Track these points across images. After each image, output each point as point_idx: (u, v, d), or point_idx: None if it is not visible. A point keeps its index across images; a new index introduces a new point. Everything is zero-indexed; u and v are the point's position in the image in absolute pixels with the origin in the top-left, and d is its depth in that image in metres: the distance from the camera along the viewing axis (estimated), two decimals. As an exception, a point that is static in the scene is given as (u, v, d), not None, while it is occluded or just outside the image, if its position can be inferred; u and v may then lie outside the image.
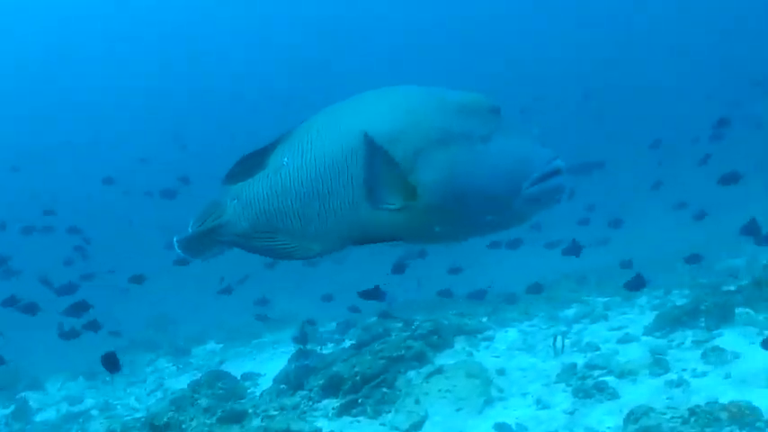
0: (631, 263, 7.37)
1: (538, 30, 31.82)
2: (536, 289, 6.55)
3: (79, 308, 5.96)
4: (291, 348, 8.34)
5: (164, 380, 8.81)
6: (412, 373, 5.63)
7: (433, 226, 2.14)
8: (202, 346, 9.94)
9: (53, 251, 10.41)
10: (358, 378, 5.75)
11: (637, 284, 5.81)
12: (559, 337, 5.74)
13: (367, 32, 34.56)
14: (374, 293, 5.47)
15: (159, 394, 8.40)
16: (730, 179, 6.82)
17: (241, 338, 9.65)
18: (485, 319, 6.99)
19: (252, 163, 2.33)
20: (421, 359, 5.83)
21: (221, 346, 9.76)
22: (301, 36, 34.36)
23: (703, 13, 29.83)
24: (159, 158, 16.92)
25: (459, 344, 6.21)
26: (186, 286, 12.01)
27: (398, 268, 6.83)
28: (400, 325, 7.10)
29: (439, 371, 5.54)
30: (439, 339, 6.15)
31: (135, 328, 11.10)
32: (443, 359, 5.87)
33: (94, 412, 8.47)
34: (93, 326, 6.31)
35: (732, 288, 6.54)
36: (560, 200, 2.13)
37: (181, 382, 8.16)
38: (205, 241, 2.47)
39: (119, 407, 8.46)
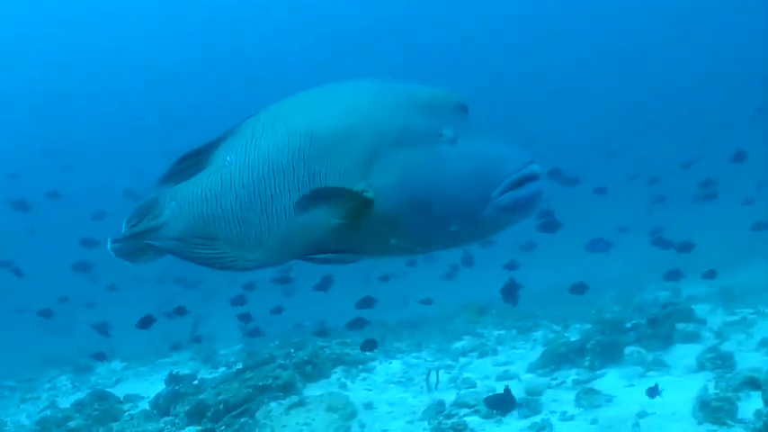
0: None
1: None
2: (357, 324, 6.24)
3: None
4: (188, 369, 8.04)
5: (57, 398, 8.39)
6: (274, 404, 5.31)
7: (388, 237, 1.87)
8: (107, 364, 9.53)
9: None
10: (221, 406, 5.47)
11: (370, 346, 5.63)
12: (433, 372, 5.43)
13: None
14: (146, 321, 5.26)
15: (49, 412, 8.00)
16: (551, 227, 6.56)
17: (146, 357, 9.28)
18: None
19: (193, 161, 2.10)
20: (287, 389, 5.52)
21: (124, 364, 9.39)
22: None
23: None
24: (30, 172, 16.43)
25: (336, 374, 5.90)
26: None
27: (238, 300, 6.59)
28: (292, 350, 6.83)
29: (301, 403, 5.24)
30: (313, 369, 5.85)
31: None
32: (313, 390, 5.56)
33: (-16, 428, 8.09)
34: None
35: (630, 325, 6.28)
36: (535, 209, 1.84)
37: (72, 401, 7.81)
38: (140, 244, 2.20)
39: (9, 423, 8.08)
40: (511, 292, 5.69)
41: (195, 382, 6.63)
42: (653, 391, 4.63)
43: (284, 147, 1.92)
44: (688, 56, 29.21)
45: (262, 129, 1.99)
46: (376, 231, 1.85)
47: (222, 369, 7.54)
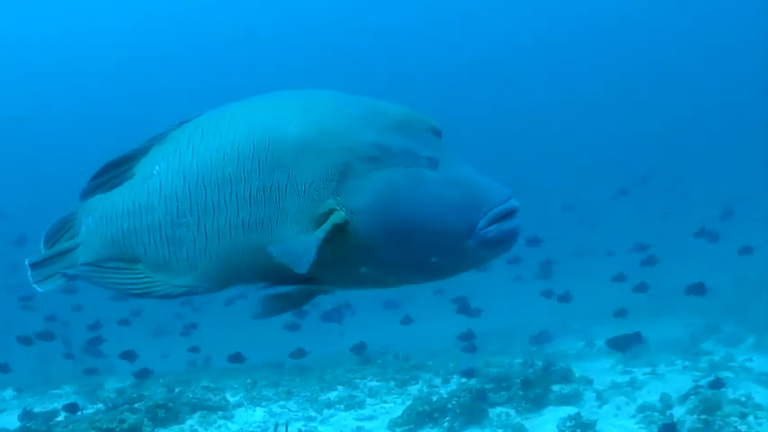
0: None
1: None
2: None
3: None
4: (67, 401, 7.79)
5: (-63, 427, 8.07)
6: (112, 450, 5.06)
7: (359, 265, 1.66)
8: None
9: None
10: (62, 449, 5.22)
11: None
12: (281, 426, 5.21)
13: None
14: None
15: None
16: None
17: (38, 387, 8.96)
18: (241, 395, 6.45)
19: (116, 172, 1.84)
20: (131, 434, 5.27)
21: (15, 394, 9.05)
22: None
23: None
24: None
25: (192, 420, 5.67)
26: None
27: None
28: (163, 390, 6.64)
29: (139, 450, 4.99)
30: (167, 413, 5.60)
31: None
32: (159, 437, 5.32)
33: None
34: None
35: (516, 382, 6.09)
36: (513, 246, 1.70)
37: (-51, 431, 7.50)
38: (53, 269, 1.91)
39: None
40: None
41: (59, 418, 6.36)
42: None
43: (232, 154, 1.68)
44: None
45: (201, 135, 1.75)
46: (345, 257, 1.65)
47: (99, 405, 7.26)
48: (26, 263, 1.94)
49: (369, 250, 1.63)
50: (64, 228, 1.95)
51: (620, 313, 7.84)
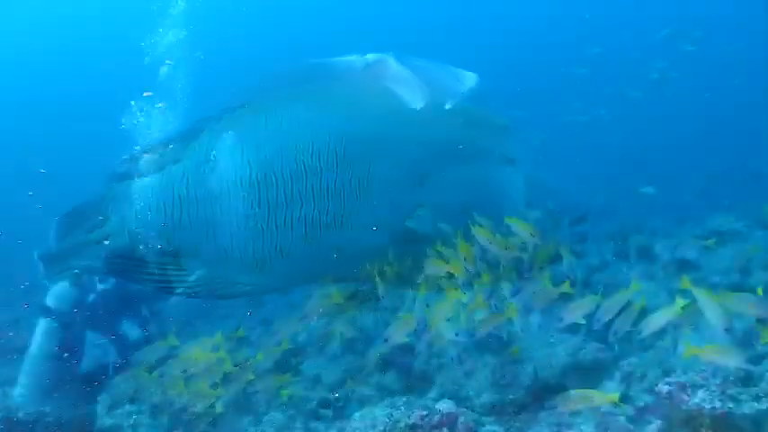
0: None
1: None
2: None
3: None
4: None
5: None
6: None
7: None
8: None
9: None
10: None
11: None
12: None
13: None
14: None
15: None
16: None
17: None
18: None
19: (159, 155, 1.70)
20: None
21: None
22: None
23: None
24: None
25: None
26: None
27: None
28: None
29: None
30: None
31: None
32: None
33: None
34: None
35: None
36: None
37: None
38: (72, 263, 1.77)
39: None
40: None
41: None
42: None
43: (306, 146, 1.59)
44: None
45: (264, 121, 1.63)
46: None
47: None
48: (35, 255, 1.75)
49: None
50: (83, 217, 1.78)
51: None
